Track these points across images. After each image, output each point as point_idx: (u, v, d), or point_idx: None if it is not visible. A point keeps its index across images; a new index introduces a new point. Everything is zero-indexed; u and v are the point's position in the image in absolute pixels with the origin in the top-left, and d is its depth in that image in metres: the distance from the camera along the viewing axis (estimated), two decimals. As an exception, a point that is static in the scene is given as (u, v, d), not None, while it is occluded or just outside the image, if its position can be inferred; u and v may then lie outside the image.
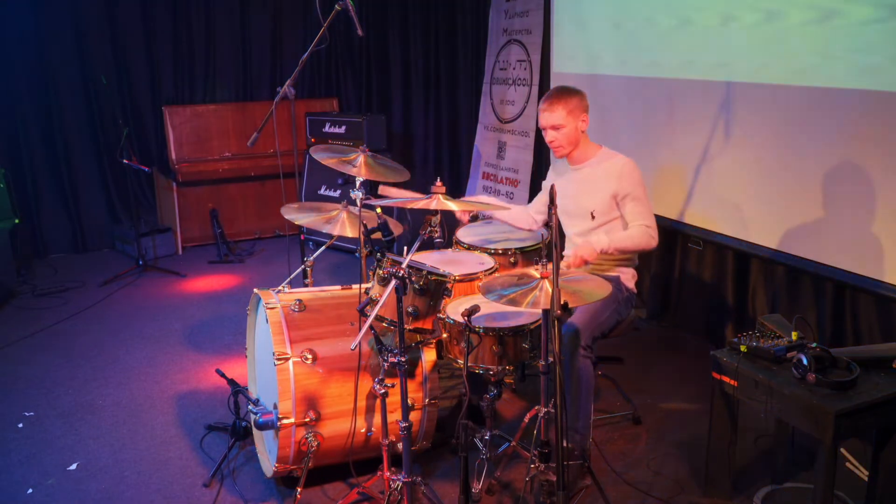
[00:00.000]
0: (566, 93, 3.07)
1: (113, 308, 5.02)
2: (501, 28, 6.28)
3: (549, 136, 3.10)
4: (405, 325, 2.64)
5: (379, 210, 2.80)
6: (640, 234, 3.02)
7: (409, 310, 2.75)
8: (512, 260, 3.34)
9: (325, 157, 3.21)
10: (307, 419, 2.78)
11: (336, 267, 5.68)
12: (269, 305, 2.91)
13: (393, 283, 2.38)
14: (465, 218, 3.42)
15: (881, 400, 2.36)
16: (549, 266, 2.41)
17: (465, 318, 2.59)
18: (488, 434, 2.87)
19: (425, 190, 2.74)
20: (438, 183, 2.66)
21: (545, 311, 2.53)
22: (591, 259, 2.94)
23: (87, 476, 3.10)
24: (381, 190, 3.26)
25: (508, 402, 3.61)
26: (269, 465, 2.99)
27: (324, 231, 3.30)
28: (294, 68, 3.53)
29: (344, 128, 6.09)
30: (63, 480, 3.07)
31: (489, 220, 3.75)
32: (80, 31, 5.98)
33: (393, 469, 2.68)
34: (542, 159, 5.85)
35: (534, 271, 2.54)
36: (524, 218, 3.46)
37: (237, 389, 3.11)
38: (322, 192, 6.14)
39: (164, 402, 3.71)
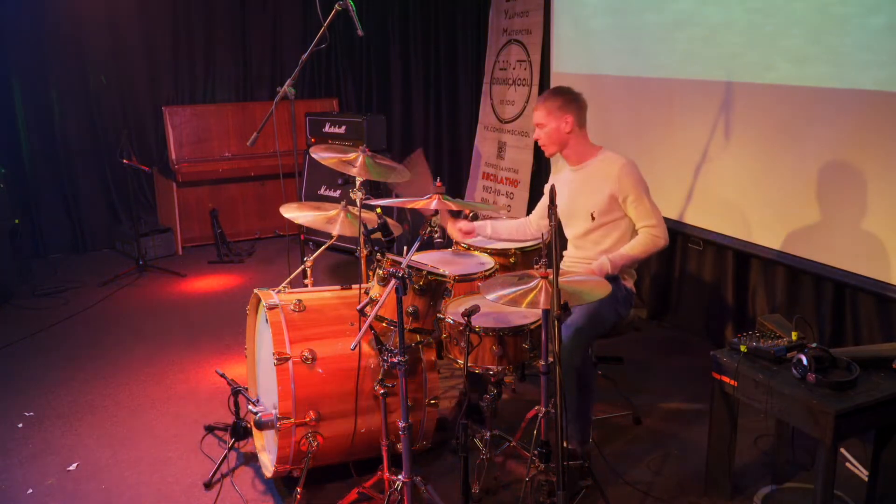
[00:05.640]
0: (554, 93, 3.11)
1: (113, 308, 5.02)
2: (501, 28, 6.28)
3: (535, 133, 3.16)
4: (405, 325, 2.64)
5: (379, 210, 2.80)
6: (644, 241, 3.01)
7: (409, 310, 2.74)
8: (512, 260, 3.34)
9: (325, 157, 3.20)
10: (307, 419, 2.78)
11: (336, 267, 5.68)
12: (269, 306, 2.91)
13: (393, 283, 2.38)
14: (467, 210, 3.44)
15: (881, 400, 2.36)
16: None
17: (465, 318, 2.59)
18: (488, 434, 2.87)
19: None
20: (438, 183, 2.66)
21: (545, 311, 2.53)
22: (602, 275, 2.95)
23: (87, 476, 3.10)
24: (410, 163, 3.24)
25: (508, 402, 3.61)
26: (269, 465, 2.99)
27: (324, 231, 3.30)
28: (294, 68, 3.53)
29: (344, 128, 6.09)
30: (63, 480, 3.07)
31: (488, 219, 3.74)
32: (80, 30, 5.98)
33: (393, 469, 2.67)
34: (541, 160, 5.85)
35: (534, 271, 2.54)
36: (525, 230, 3.42)
37: (237, 389, 3.11)
38: (322, 192, 6.14)
39: (164, 402, 3.71)
